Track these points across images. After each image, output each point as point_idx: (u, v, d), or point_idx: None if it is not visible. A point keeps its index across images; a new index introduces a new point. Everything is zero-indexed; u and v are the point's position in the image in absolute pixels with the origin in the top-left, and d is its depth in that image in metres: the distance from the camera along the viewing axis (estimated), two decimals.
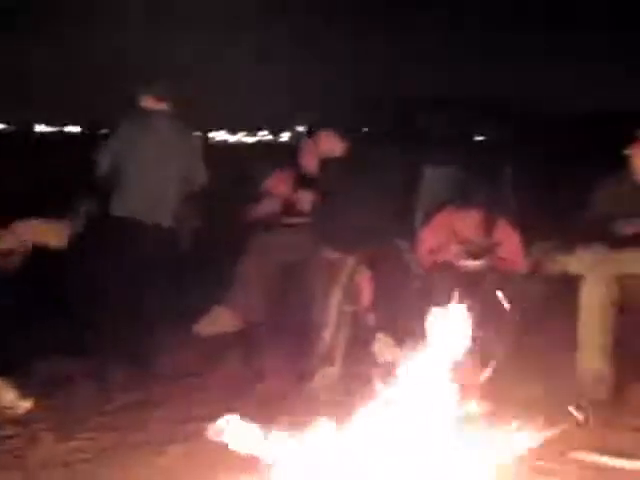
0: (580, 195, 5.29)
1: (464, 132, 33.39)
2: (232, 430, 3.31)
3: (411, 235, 5.77)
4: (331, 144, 5.72)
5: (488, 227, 5.49)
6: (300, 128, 6.26)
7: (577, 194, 5.40)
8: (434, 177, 6.11)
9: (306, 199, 5.63)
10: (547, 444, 3.84)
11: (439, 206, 5.74)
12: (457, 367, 3.47)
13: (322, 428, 3.26)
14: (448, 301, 5.05)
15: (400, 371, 3.41)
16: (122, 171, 5.55)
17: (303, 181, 5.71)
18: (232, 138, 53.27)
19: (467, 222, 5.51)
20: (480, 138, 34.68)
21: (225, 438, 3.31)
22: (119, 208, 5.55)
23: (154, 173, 5.56)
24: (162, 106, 5.65)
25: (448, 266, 5.37)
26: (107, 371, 4.97)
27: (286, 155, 6.00)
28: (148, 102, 5.65)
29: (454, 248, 5.41)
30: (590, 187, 5.23)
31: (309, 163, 5.78)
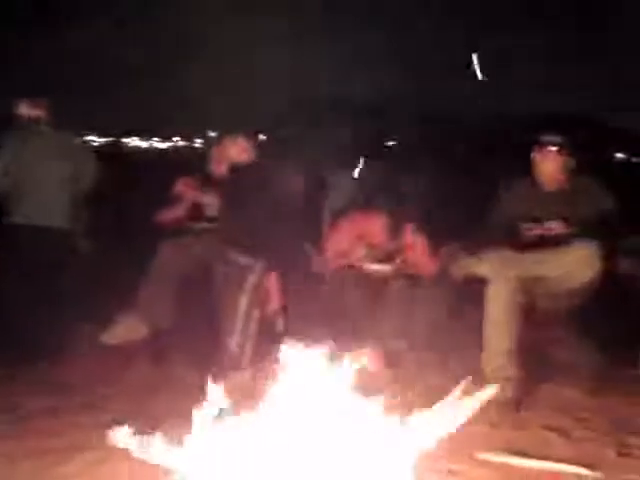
0: (486, 199, 5.37)
1: (377, 138, 33.53)
2: (137, 438, 3.25)
3: (319, 239, 5.78)
4: (238, 149, 5.69)
5: (395, 231, 5.52)
6: (212, 133, 6.23)
7: (483, 198, 5.48)
8: (342, 181, 6.14)
9: (213, 204, 5.59)
10: (454, 445, 3.90)
11: (346, 210, 5.78)
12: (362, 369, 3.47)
13: (227, 432, 3.21)
14: (355, 304, 5.09)
15: (305, 374, 3.40)
16: (14, 178, 5.72)
17: (211, 186, 5.68)
18: (145, 144, 52.59)
19: (374, 226, 5.54)
20: (391, 143, 34.95)
21: (129, 446, 3.24)
22: (15, 214, 5.71)
23: (41, 177, 5.71)
24: (37, 112, 5.79)
25: (355, 270, 5.38)
26: (13, 378, 4.87)
27: (197, 160, 6.00)
28: (23, 109, 5.79)
29: (361, 252, 5.43)
30: (496, 190, 5.33)
31: (216, 168, 5.75)
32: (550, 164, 5.11)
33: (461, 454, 3.79)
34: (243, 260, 5.06)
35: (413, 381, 4.71)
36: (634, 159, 41.17)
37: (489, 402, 4.48)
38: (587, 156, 5.54)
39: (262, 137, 6.26)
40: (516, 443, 4.00)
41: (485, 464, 3.75)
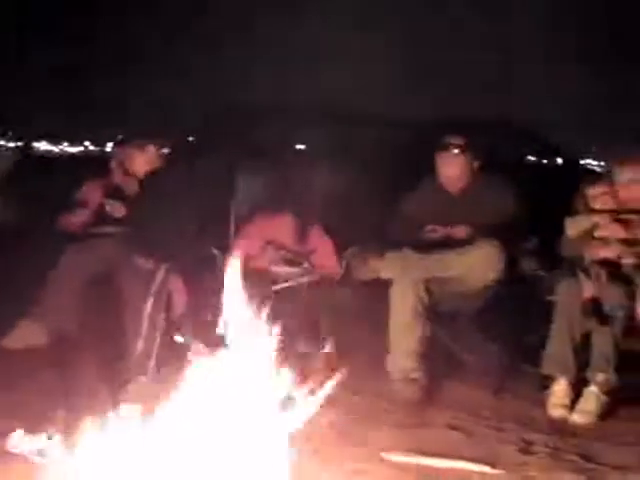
0: (390, 201, 5.43)
1: (285, 140, 33.79)
2: (34, 442, 3.19)
3: (226, 242, 5.76)
4: (141, 155, 5.65)
5: (302, 234, 5.53)
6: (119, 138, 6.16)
7: (388, 200, 5.53)
8: (249, 185, 6.12)
9: (117, 209, 5.54)
10: (360, 445, 3.93)
11: (254, 213, 5.77)
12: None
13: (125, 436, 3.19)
14: (262, 307, 5.07)
15: (210, 377, 3.39)
16: None
17: (115, 191, 5.63)
18: (56, 148, 51.73)
19: (281, 229, 5.54)
20: (301, 146, 35.19)
21: (26, 451, 3.19)
22: None
23: None
24: None
25: (263, 273, 5.38)
26: None
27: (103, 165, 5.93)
28: None
29: (268, 255, 5.42)
30: (400, 193, 5.39)
31: (119, 174, 5.70)
32: (452, 166, 5.19)
33: (367, 454, 3.84)
34: (147, 265, 5.02)
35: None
36: (544, 161, 42.22)
37: (395, 402, 4.62)
38: (492, 158, 5.66)
39: (170, 143, 6.20)
40: (421, 443, 4.06)
41: (391, 464, 3.79)
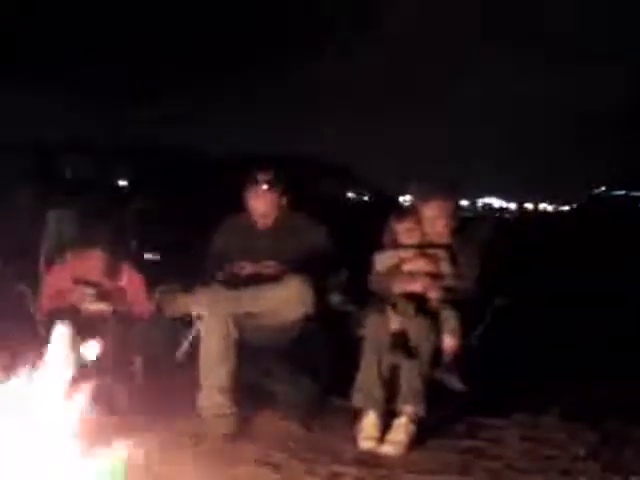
0: (204, 235, 5.40)
1: (103, 176, 33.28)
2: None
3: (35, 279, 5.59)
4: None
5: (112, 271, 5.41)
6: None
7: (202, 234, 5.50)
8: (59, 221, 5.95)
9: None
10: None
11: (63, 250, 5.62)
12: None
13: None
14: (71, 345, 4.94)
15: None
16: None
17: None
18: None
19: (91, 266, 5.40)
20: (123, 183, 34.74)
21: None
22: None
23: None
24: None
25: (72, 310, 5.23)
26: None
27: None
28: None
29: (77, 292, 5.28)
30: (213, 228, 5.38)
31: None
32: (261, 201, 5.21)
33: None
34: None
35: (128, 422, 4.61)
36: (365, 198, 43.25)
37: (205, 439, 4.57)
38: (305, 194, 5.72)
39: None
40: (228, 476, 4.05)
41: None
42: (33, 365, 3.66)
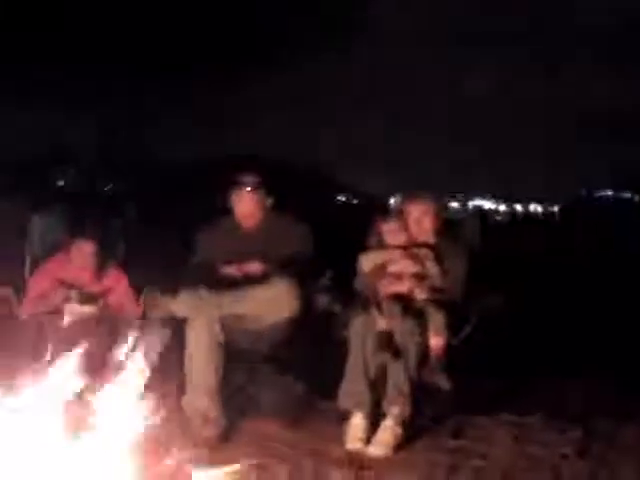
0: (187, 239, 5.39)
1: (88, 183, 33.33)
2: None
3: (21, 282, 5.59)
4: None
5: (98, 273, 5.41)
6: None
7: (185, 238, 5.49)
8: (43, 224, 5.94)
9: None
10: None
11: (49, 254, 5.63)
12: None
13: None
14: (60, 347, 4.94)
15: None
16: None
17: None
18: None
19: (76, 268, 5.40)
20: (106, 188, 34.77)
21: None
22: None
23: None
24: None
25: (58, 312, 5.24)
26: None
27: None
28: None
29: (63, 294, 5.28)
30: (196, 231, 5.37)
31: None
32: (246, 203, 5.20)
33: None
34: None
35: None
36: (355, 201, 43.31)
37: (192, 441, 4.55)
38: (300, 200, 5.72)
39: None
40: None
41: None
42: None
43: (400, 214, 5.21)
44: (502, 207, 59.34)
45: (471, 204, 58.04)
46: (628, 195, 43.19)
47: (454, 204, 49.45)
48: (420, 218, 5.16)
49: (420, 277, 5.03)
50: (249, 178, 5.21)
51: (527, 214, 54.02)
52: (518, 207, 58.36)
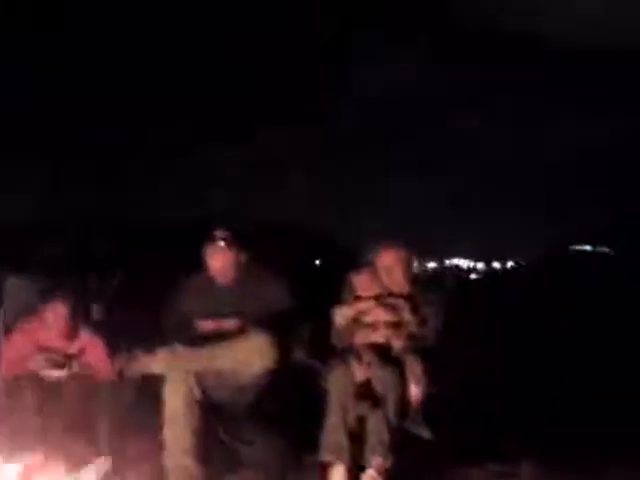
0: (164, 294, 5.38)
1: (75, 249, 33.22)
2: None
3: None
4: None
5: (71, 336, 5.38)
6: None
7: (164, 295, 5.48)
8: (17, 287, 5.93)
9: None
10: None
11: (22, 317, 5.60)
12: None
13: None
14: (32, 412, 4.89)
15: None
16: None
17: None
18: None
19: (50, 331, 5.37)
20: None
21: None
22: None
23: None
24: None
25: (32, 377, 5.19)
26: None
27: None
28: None
29: (37, 358, 5.24)
30: (172, 288, 5.36)
31: None
32: (219, 258, 5.18)
33: None
34: None
35: None
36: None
37: None
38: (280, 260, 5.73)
39: None
40: None
41: None
42: None
43: (372, 265, 5.24)
44: (480, 265, 59.63)
45: (447, 262, 58.30)
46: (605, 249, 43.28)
47: (431, 264, 49.52)
48: (392, 267, 5.18)
49: (395, 325, 5.05)
50: (222, 233, 5.21)
51: (505, 270, 54.21)
52: (496, 264, 58.62)
